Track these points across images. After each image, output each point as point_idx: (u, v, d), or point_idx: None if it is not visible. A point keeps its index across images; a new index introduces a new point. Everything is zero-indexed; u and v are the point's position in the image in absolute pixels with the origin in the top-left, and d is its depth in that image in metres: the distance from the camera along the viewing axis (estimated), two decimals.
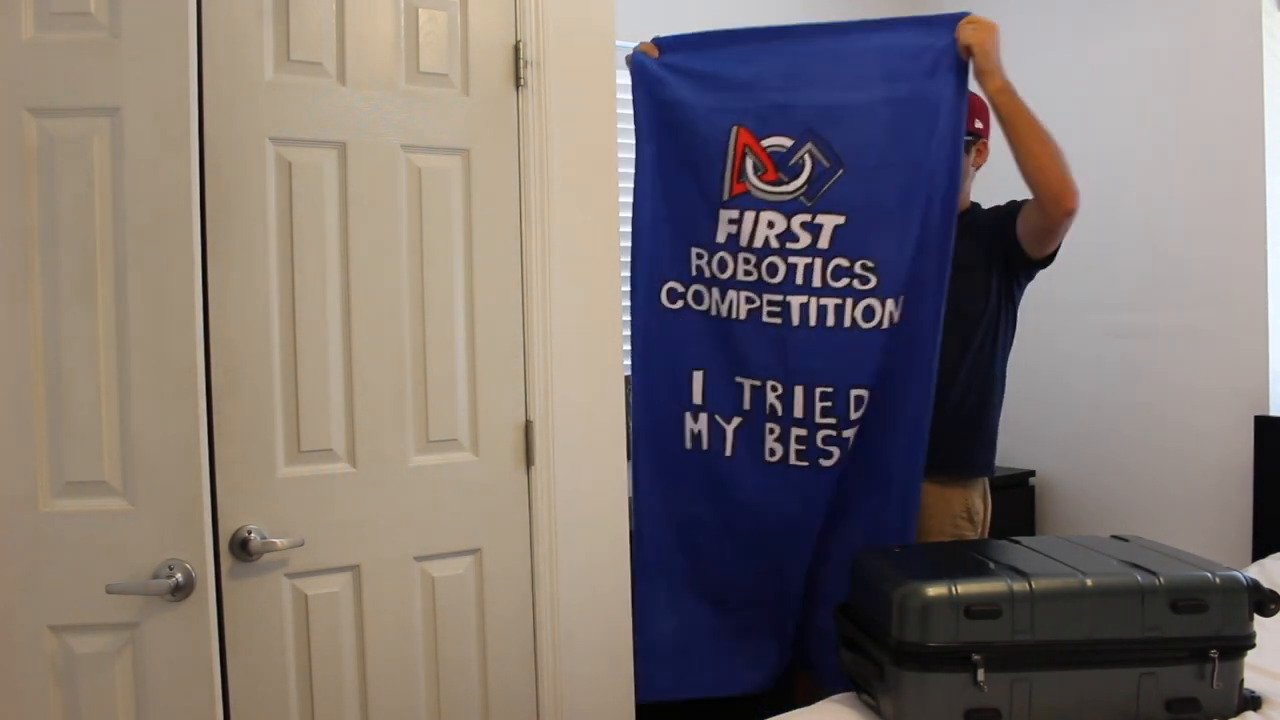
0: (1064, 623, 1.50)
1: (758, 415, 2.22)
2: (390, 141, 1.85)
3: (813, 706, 1.68)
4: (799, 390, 2.15)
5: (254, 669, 1.75)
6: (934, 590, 1.50)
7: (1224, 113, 2.91)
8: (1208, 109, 2.95)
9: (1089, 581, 1.52)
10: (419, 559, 1.90)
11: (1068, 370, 3.37)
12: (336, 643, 1.83)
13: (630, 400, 2.24)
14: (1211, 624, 1.50)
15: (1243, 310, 2.89)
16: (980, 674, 1.46)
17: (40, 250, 1.54)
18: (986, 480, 2.33)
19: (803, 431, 2.16)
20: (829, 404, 2.13)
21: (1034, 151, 2.04)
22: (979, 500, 2.30)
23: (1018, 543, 1.81)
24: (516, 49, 1.97)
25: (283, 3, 1.76)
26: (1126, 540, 1.77)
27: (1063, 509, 3.44)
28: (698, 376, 2.24)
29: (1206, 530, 2.97)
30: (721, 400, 2.24)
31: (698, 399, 2.25)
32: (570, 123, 2.04)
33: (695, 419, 2.26)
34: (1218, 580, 1.52)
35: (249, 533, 1.73)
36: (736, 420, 2.23)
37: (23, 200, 1.53)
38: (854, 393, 2.11)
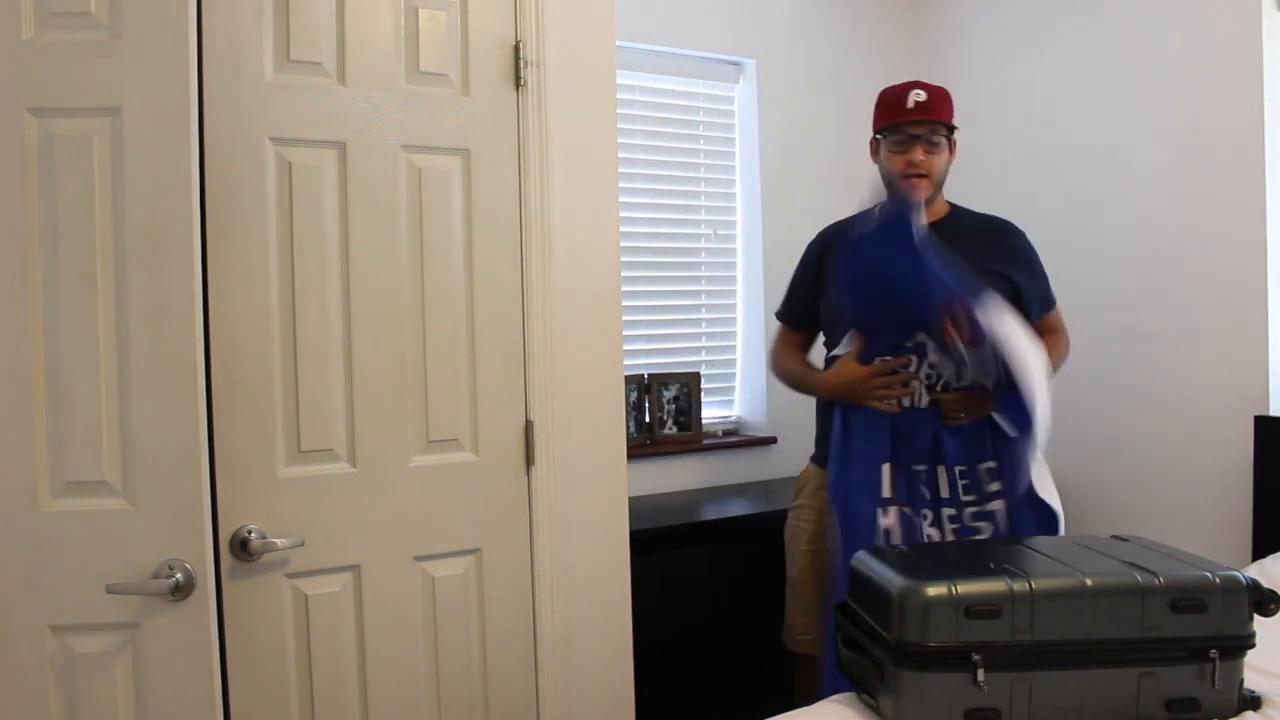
0: (1064, 622, 1.49)
1: (919, 504, 2.24)
2: (390, 141, 1.85)
3: (813, 706, 1.68)
4: (942, 471, 2.22)
5: (254, 669, 1.75)
6: (934, 590, 1.49)
7: (1224, 113, 2.91)
8: (1208, 109, 2.95)
9: (1089, 581, 1.52)
10: (419, 559, 1.90)
11: (1067, 371, 3.37)
12: (337, 643, 1.83)
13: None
14: (1211, 624, 1.50)
15: (1243, 310, 2.89)
16: (980, 674, 1.46)
17: (40, 250, 1.54)
18: None
19: (952, 511, 2.22)
20: (966, 482, 2.22)
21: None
22: None
23: (1017, 543, 1.81)
24: (516, 49, 1.97)
25: (283, 3, 1.76)
26: (1126, 540, 1.77)
27: (1063, 509, 3.43)
28: (886, 469, 2.22)
29: (1206, 530, 2.97)
30: (908, 492, 2.23)
31: (886, 492, 2.22)
32: (570, 123, 2.04)
33: (885, 513, 2.24)
34: (1217, 580, 1.52)
35: (249, 533, 1.73)
36: (926, 512, 2.25)
37: (23, 200, 1.53)
38: (983, 466, 2.21)
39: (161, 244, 1.55)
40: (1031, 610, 1.48)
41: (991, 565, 1.59)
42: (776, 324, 2.60)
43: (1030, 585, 1.50)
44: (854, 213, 2.38)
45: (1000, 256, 2.28)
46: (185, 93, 1.55)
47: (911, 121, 2.22)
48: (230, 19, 1.71)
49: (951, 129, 2.28)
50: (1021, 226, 2.38)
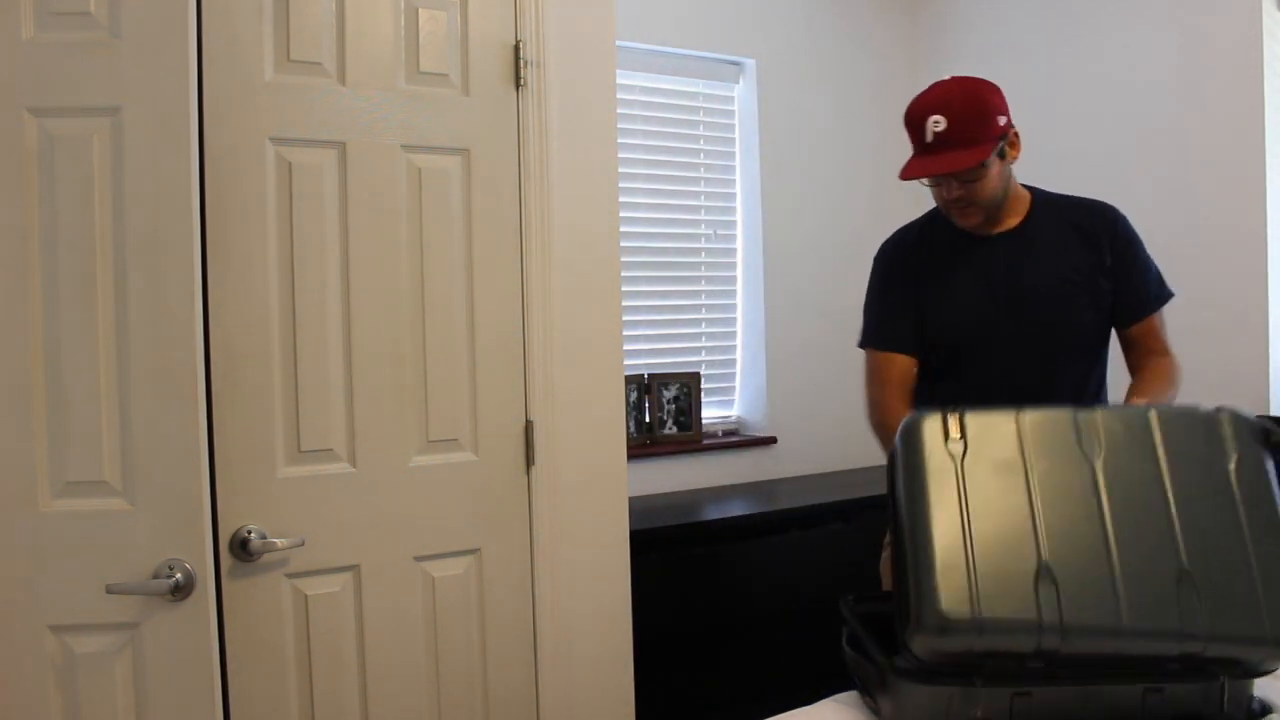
0: (1087, 662, 1.40)
1: None
2: (390, 141, 1.85)
3: (813, 706, 1.68)
4: None
5: (254, 669, 1.75)
6: (954, 613, 1.36)
7: (1224, 113, 2.91)
8: (1208, 109, 2.95)
9: (1124, 619, 1.37)
10: (419, 559, 1.90)
11: None
12: (336, 643, 1.83)
13: None
14: (1239, 667, 1.40)
15: (1243, 310, 2.89)
16: (981, 691, 1.43)
17: (40, 250, 1.54)
18: None
19: None
20: None
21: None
22: None
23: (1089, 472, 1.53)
24: (516, 49, 1.97)
25: (283, 3, 1.76)
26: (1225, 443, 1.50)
27: None
28: None
29: None
30: None
31: None
32: (570, 123, 2.04)
33: None
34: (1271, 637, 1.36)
35: (249, 533, 1.73)
36: None
37: (23, 200, 1.53)
38: None
39: (161, 244, 1.55)
40: (1057, 647, 1.36)
41: (1034, 558, 1.40)
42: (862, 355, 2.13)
43: (1061, 619, 1.35)
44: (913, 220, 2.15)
45: (1095, 250, 1.98)
46: (185, 93, 1.55)
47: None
48: (230, 19, 1.71)
49: (1004, 133, 1.89)
50: None
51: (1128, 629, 1.37)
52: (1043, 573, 1.42)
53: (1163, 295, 2.10)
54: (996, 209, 1.97)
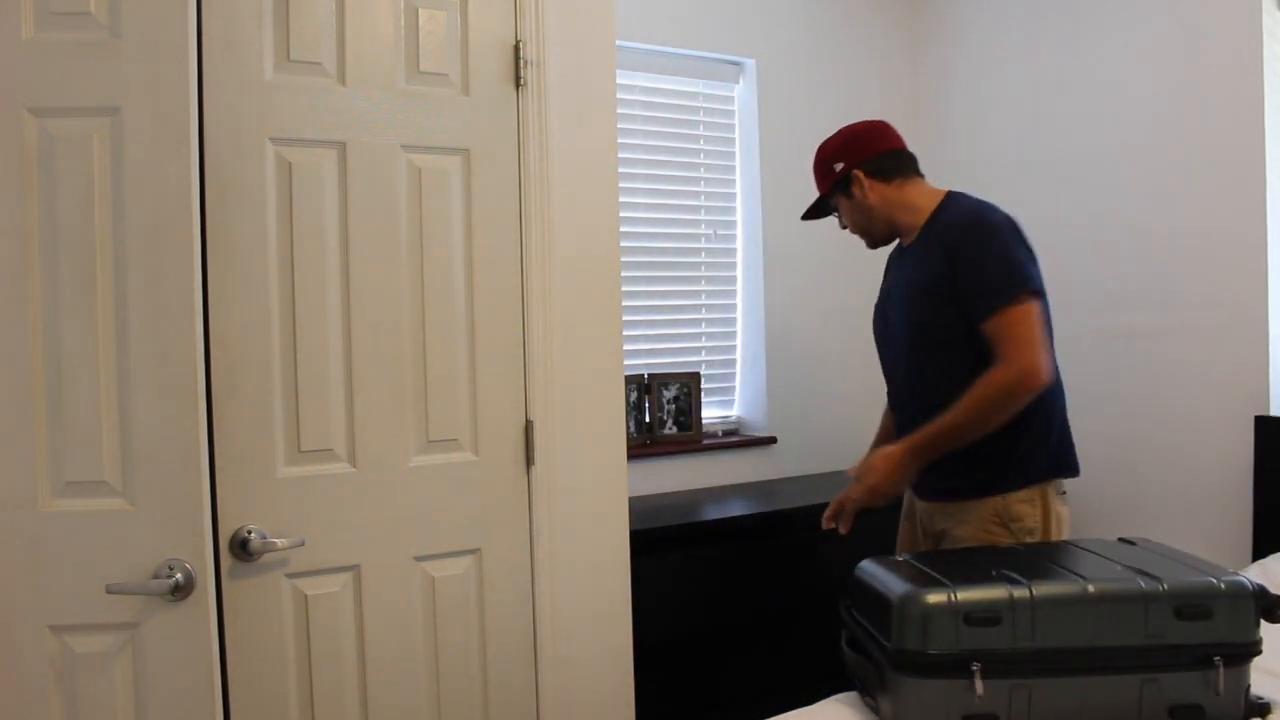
0: (1065, 629, 1.47)
1: None
2: (390, 141, 1.85)
3: (813, 706, 1.68)
4: None
5: (254, 669, 1.75)
6: (933, 597, 1.48)
7: (1224, 113, 2.91)
8: (1207, 109, 2.95)
9: (1090, 588, 1.49)
10: (419, 559, 1.90)
11: (1067, 371, 3.36)
12: (336, 643, 1.83)
13: None
14: (1216, 631, 1.47)
15: (1243, 310, 2.89)
16: (978, 683, 1.44)
17: (40, 250, 1.54)
18: (1038, 490, 2.07)
19: None
20: None
21: (972, 433, 1.96)
22: (1021, 506, 2.06)
23: (1020, 550, 1.80)
24: (516, 49, 1.97)
25: (283, 3, 1.76)
26: (1133, 544, 1.75)
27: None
28: None
29: (1207, 530, 2.97)
30: None
31: None
32: (570, 123, 2.04)
33: None
34: (1222, 586, 1.49)
35: (249, 533, 1.73)
36: None
37: (23, 200, 1.53)
38: None
39: (161, 244, 1.55)
40: (1032, 617, 1.47)
41: (993, 573, 1.57)
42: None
43: (1031, 592, 1.48)
44: None
45: (945, 258, 2.02)
46: (185, 93, 1.55)
47: None
48: (230, 19, 1.71)
49: (835, 188, 2.21)
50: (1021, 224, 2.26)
51: (1093, 595, 1.50)
52: (1005, 576, 1.56)
53: (994, 303, 1.96)
54: (873, 233, 2.24)
